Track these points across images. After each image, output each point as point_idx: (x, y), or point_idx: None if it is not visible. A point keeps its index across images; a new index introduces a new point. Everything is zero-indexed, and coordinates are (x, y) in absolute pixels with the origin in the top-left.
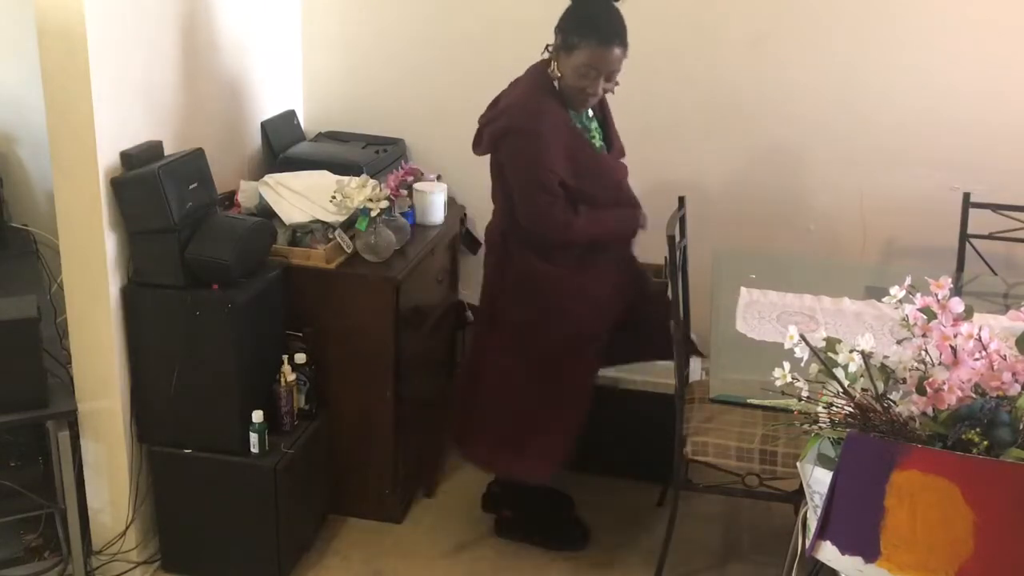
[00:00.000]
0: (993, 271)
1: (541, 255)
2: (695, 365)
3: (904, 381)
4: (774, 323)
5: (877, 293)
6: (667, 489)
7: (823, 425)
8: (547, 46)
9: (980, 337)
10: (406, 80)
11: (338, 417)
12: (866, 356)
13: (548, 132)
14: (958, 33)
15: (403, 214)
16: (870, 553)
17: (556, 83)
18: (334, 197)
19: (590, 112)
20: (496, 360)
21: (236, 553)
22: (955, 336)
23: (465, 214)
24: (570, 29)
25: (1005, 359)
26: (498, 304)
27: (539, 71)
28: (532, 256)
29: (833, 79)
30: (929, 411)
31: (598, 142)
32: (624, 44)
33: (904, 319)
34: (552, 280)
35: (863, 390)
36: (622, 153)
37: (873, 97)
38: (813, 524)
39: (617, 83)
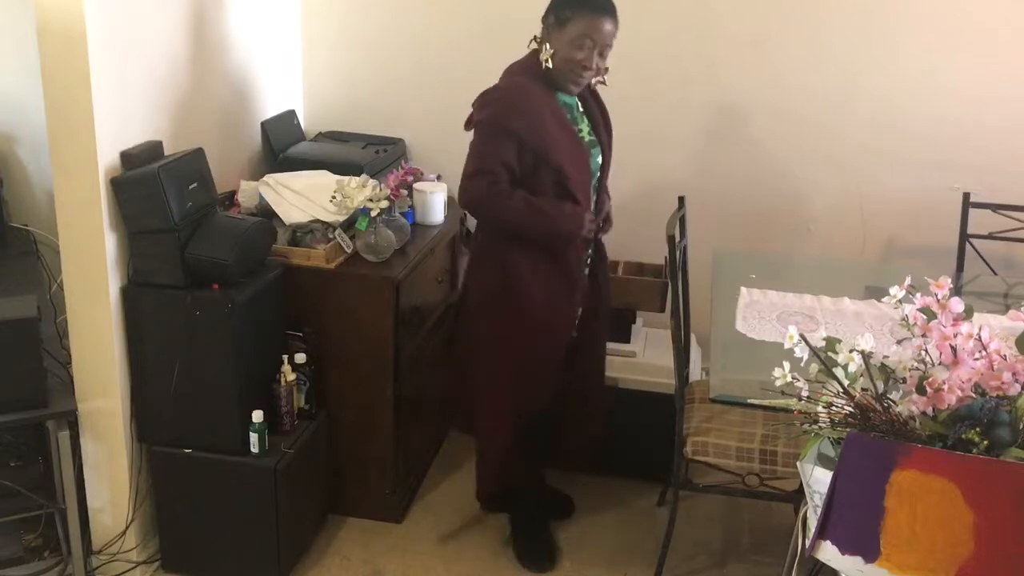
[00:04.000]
0: (993, 271)
1: (504, 244)
2: (695, 365)
3: (904, 381)
4: (774, 323)
5: (877, 293)
6: (667, 489)
7: (823, 425)
8: (534, 37)
9: (980, 337)
10: (406, 80)
11: (338, 417)
12: (866, 356)
13: (508, 117)
14: (958, 33)
15: (403, 214)
16: (870, 553)
17: (546, 65)
18: (334, 197)
19: (580, 106)
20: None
21: (236, 553)
22: (955, 336)
23: (465, 214)
24: (562, 4)
25: (1005, 359)
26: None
27: (527, 60)
28: (498, 244)
29: (833, 79)
30: (929, 411)
31: (586, 136)
32: (615, 19)
33: (904, 319)
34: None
35: (863, 390)
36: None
37: (873, 97)
38: (813, 524)
39: (607, 69)
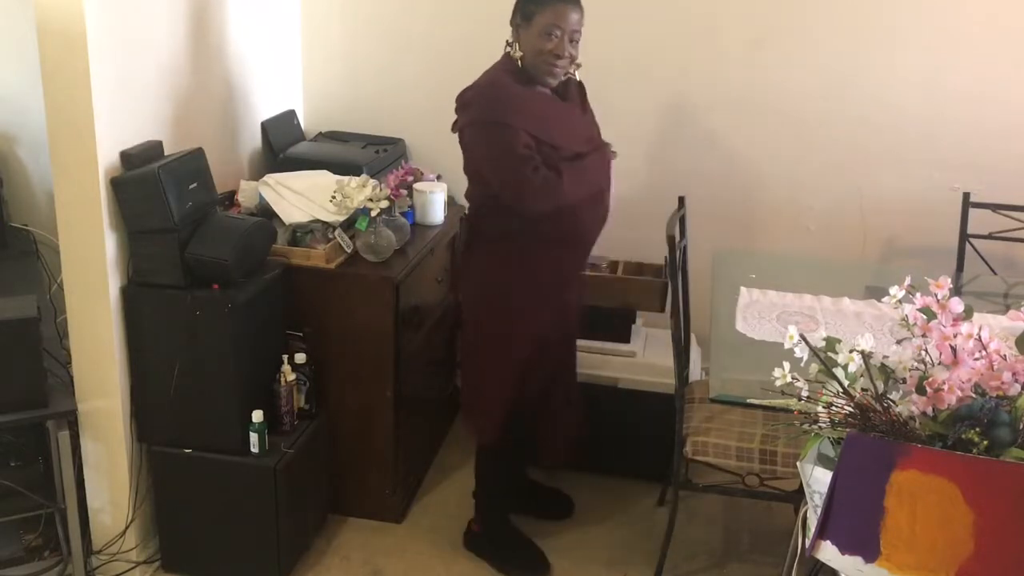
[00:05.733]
0: (993, 271)
1: (497, 239)
2: (695, 365)
3: (904, 381)
4: (774, 323)
5: (877, 293)
6: (667, 489)
7: (823, 425)
8: (506, 41)
9: (980, 337)
10: (406, 80)
11: (338, 417)
12: (866, 356)
13: (510, 112)
14: (958, 33)
15: (403, 214)
16: (870, 553)
17: (519, 62)
18: (334, 197)
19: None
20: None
21: (236, 553)
22: (955, 336)
23: (465, 214)
24: (526, 1)
25: (1005, 359)
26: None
27: (502, 61)
28: (489, 239)
29: (833, 79)
30: (929, 411)
31: None
32: (580, 7)
33: (904, 319)
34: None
35: (863, 390)
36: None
37: (873, 97)
38: (813, 524)
39: (579, 64)
